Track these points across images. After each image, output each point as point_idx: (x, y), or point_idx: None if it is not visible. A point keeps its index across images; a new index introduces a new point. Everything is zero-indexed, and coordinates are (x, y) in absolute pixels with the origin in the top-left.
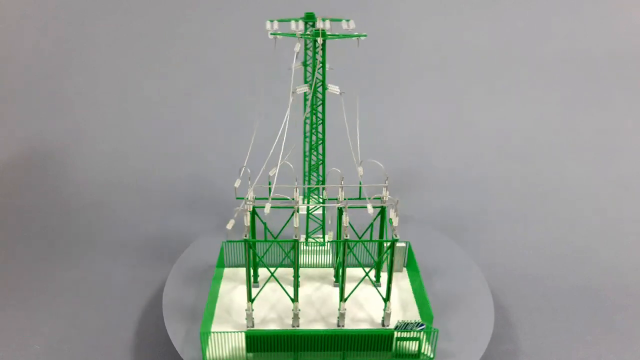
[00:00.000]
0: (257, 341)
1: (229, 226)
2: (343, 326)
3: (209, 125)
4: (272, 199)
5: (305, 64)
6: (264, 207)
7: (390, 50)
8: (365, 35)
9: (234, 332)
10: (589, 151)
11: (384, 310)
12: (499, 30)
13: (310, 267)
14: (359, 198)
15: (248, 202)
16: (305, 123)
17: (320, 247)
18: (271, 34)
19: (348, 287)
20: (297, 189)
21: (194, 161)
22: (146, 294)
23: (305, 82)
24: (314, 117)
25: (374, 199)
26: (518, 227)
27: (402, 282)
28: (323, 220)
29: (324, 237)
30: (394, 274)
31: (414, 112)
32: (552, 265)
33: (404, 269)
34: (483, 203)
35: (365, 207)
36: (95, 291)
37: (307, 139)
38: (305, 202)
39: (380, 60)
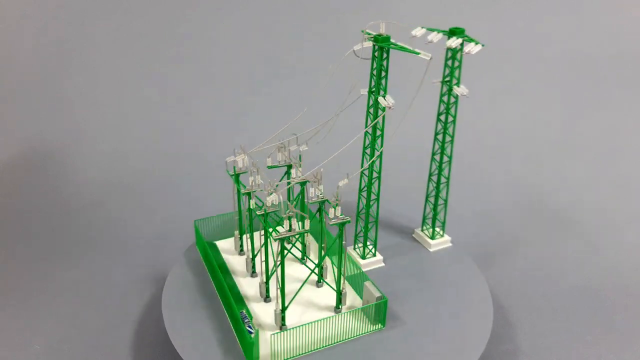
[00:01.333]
0: (206, 255)
1: (228, 160)
2: (264, 296)
3: (208, 125)
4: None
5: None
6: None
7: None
8: (429, 57)
9: (205, 238)
10: (589, 151)
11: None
12: (499, 30)
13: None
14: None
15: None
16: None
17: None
18: (362, 30)
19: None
20: (295, 166)
21: (194, 161)
22: (146, 294)
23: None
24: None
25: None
26: (518, 227)
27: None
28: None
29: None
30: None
31: (414, 112)
32: (552, 265)
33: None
34: (482, 203)
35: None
36: (95, 291)
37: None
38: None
39: None
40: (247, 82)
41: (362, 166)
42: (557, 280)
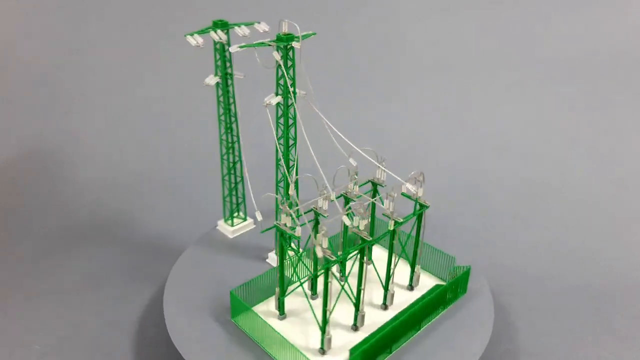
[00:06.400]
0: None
1: (258, 217)
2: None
3: (209, 125)
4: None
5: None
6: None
7: (391, 50)
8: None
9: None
10: (589, 151)
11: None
12: (499, 30)
13: None
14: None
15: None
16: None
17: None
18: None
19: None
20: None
21: (194, 161)
22: (146, 293)
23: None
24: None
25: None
26: (518, 227)
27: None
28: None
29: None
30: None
31: (414, 112)
32: (552, 265)
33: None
34: (483, 203)
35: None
36: (95, 291)
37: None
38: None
39: (380, 60)
40: (246, 82)
41: (276, 176)
42: (557, 280)
